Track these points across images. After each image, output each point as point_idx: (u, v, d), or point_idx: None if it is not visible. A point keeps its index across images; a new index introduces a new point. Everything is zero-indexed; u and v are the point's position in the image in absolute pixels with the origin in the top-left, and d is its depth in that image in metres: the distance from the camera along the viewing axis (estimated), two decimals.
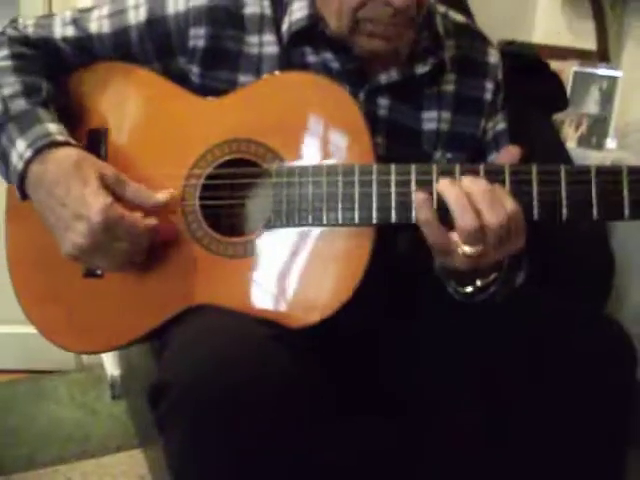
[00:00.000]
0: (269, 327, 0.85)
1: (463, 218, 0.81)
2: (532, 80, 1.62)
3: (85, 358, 2.04)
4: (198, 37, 0.97)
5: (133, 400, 1.73)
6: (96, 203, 0.87)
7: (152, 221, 0.91)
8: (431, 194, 0.84)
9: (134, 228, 0.89)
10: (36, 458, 1.64)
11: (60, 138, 0.91)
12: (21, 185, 0.92)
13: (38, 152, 0.90)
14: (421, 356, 1.01)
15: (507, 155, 0.88)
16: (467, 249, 0.82)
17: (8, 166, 0.93)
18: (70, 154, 0.90)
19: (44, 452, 1.67)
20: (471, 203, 0.81)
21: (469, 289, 0.92)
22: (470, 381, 0.96)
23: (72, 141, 0.93)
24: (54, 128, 0.92)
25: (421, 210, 0.83)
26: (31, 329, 1.03)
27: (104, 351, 1.03)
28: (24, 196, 0.94)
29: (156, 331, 0.95)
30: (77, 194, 0.88)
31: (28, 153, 0.90)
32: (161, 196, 0.93)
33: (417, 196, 0.84)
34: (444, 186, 0.83)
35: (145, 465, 1.61)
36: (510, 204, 0.82)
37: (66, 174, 0.89)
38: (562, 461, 0.91)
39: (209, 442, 0.78)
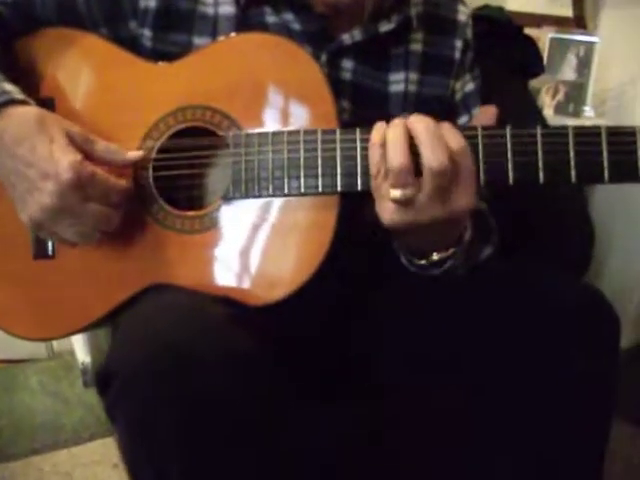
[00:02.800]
0: (226, 306, 0.80)
1: (394, 157, 0.76)
2: (506, 45, 1.58)
3: (56, 346, 2.00)
4: None
5: None
6: (65, 160, 0.80)
7: (127, 182, 0.85)
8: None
9: (107, 186, 0.83)
10: (7, 451, 1.60)
11: (18, 96, 0.85)
12: None
13: None
14: (390, 332, 0.96)
15: (484, 116, 0.83)
16: (396, 193, 0.76)
17: None
18: (32, 112, 0.84)
19: (16, 444, 1.62)
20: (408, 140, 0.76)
21: (422, 262, 0.87)
22: (444, 358, 0.92)
23: (31, 101, 0.86)
24: (10, 87, 0.86)
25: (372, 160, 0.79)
26: None
27: (59, 337, 0.97)
28: None
29: (114, 314, 0.90)
30: (43, 152, 0.81)
31: None
32: (132, 154, 0.87)
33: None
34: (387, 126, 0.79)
35: (118, 453, 1.57)
36: (456, 143, 0.76)
37: (30, 132, 0.82)
38: (546, 435, 0.87)
39: (156, 434, 0.72)
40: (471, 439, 0.90)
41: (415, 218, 0.78)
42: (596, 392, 0.86)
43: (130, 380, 0.72)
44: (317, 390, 0.95)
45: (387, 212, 0.79)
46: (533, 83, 1.86)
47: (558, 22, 2.07)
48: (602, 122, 1.84)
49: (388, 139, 0.77)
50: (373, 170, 0.79)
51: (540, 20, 2.05)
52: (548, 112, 1.91)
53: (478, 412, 0.89)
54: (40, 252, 0.92)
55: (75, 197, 0.81)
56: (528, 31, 1.82)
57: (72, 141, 0.83)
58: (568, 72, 1.94)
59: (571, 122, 1.85)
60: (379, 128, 0.80)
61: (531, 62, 1.68)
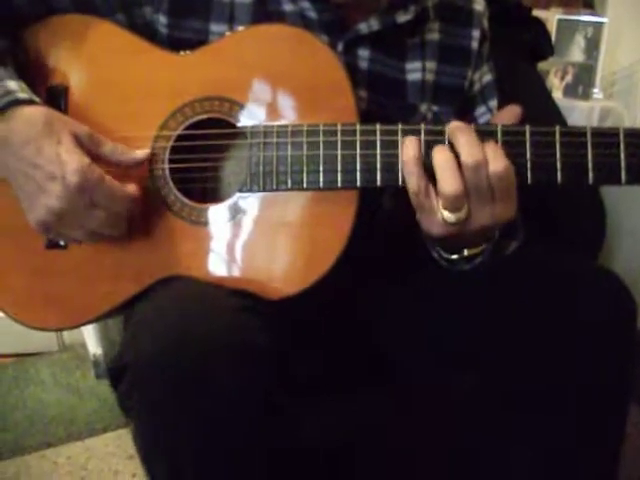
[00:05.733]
0: (242, 298, 0.79)
1: (447, 182, 0.77)
2: (515, 28, 1.56)
3: (67, 338, 2.00)
4: None
5: None
6: (72, 162, 0.79)
7: (133, 189, 0.84)
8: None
9: (113, 193, 0.82)
10: (22, 444, 1.60)
11: (23, 96, 0.84)
12: None
13: (1, 112, 0.82)
14: (406, 320, 0.96)
15: (508, 114, 0.83)
16: (451, 217, 0.79)
17: None
18: (38, 112, 0.82)
19: (29, 437, 1.62)
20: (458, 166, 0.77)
21: (454, 256, 0.88)
22: (459, 346, 0.92)
23: (36, 98, 0.85)
24: (14, 85, 0.84)
25: (411, 177, 0.79)
26: None
27: (70, 327, 0.95)
28: None
29: (127, 305, 0.89)
30: (50, 153, 0.80)
31: None
32: (140, 153, 0.86)
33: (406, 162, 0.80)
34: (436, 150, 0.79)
35: (132, 444, 1.57)
36: (497, 164, 0.77)
37: (36, 133, 0.81)
38: (562, 419, 0.87)
39: (170, 425, 0.72)
40: (489, 428, 0.90)
41: (466, 228, 0.80)
42: (616, 375, 0.86)
43: (144, 371, 0.72)
44: (328, 382, 0.95)
45: (436, 226, 0.81)
46: (541, 65, 1.84)
47: (566, 3, 2.05)
48: (612, 104, 1.83)
49: (437, 164, 0.78)
50: (413, 187, 0.80)
51: (548, 1, 2.03)
52: (557, 94, 1.90)
53: (494, 398, 0.89)
54: (52, 242, 0.91)
55: (81, 201, 0.80)
56: (536, 13, 1.80)
57: (79, 143, 0.82)
58: (576, 53, 1.93)
59: (581, 105, 1.84)
60: (412, 142, 0.80)
61: (540, 44, 1.66)
